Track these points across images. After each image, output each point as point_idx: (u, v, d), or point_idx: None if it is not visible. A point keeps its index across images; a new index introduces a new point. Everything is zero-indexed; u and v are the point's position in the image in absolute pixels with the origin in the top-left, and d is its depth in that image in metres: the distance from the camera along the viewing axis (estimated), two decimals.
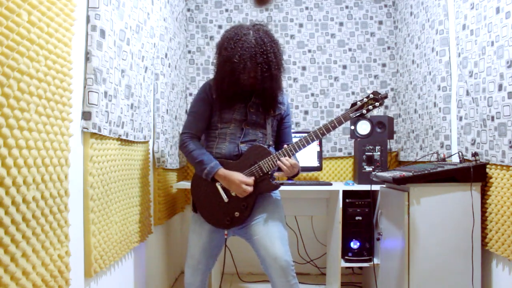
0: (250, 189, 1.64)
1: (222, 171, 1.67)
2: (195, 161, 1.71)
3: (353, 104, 1.67)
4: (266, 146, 1.73)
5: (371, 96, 1.65)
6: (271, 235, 1.63)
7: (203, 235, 1.74)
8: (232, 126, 1.75)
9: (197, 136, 1.78)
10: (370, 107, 1.65)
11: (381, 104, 1.66)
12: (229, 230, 1.72)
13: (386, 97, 1.66)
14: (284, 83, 3.00)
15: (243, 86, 1.69)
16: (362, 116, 1.68)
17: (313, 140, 1.66)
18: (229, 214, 1.69)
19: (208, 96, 1.76)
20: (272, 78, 1.69)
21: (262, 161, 1.67)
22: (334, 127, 1.65)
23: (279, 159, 1.65)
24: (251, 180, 1.66)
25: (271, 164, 1.67)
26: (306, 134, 1.66)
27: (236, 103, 1.74)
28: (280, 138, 1.89)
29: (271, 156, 1.67)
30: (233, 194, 1.69)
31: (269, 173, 1.69)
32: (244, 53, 1.61)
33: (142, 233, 1.94)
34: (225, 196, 1.69)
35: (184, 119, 2.95)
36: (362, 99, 1.66)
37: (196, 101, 1.80)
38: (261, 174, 1.68)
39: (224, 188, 1.69)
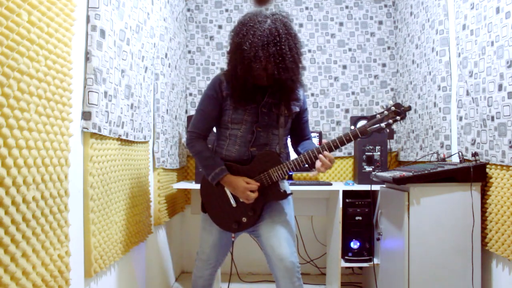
0: (254, 195, 1.60)
1: (228, 177, 1.62)
2: (201, 164, 1.66)
3: (372, 117, 1.52)
4: (277, 153, 1.65)
5: (393, 108, 1.49)
6: (279, 236, 1.61)
7: (213, 233, 1.73)
8: (243, 128, 1.65)
9: (204, 135, 1.70)
10: (391, 121, 1.48)
11: (402, 118, 1.49)
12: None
13: (409, 109, 1.49)
14: None
15: (257, 78, 1.58)
16: (380, 131, 1.50)
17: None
18: (237, 219, 1.66)
19: (217, 94, 1.64)
20: (288, 71, 1.54)
21: (272, 170, 1.61)
22: (349, 141, 1.53)
23: (293, 166, 1.59)
24: (255, 186, 1.60)
25: (281, 173, 1.61)
26: (319, 146, 1.58)
27: (249, 103, 1.64)
28: (299, 133, 1.82)
29: (281, 165, 1.61)
30: (241, 200, 1.65)
31: (278, 181, 1.64)
32: (256, 41, 1.48)
33: (142, 233, 1.94)
34: (233, 201, 1.65)
35: (184, 119, 2.96)
36: (382, 112, 1.50)
37: (204, 98, 1.69)
38: (270, 183, 1.63)
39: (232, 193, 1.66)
